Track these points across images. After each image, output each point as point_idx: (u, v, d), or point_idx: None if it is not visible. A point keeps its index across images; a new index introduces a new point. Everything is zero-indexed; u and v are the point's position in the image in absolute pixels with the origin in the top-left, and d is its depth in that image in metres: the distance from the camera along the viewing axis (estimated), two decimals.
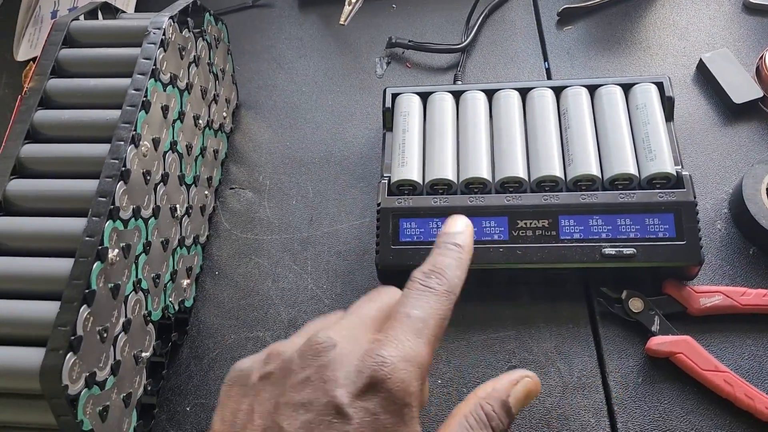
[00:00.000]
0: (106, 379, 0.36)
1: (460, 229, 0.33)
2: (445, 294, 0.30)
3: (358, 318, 0.29)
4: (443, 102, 0.51)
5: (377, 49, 0.61)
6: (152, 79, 0.41)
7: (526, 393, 0.31)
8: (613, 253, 0.43)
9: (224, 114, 0.55)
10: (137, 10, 0.64)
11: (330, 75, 0.60)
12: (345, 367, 0.26)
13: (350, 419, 0.25)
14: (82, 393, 0.33)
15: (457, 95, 0.51)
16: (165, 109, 0.43)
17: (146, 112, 0.40)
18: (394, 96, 0.52)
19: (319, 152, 0.55)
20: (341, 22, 0.58)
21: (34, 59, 0.33)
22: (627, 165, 0.45)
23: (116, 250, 0.36)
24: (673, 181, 0.45)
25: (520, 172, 0.46)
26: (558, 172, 0.46)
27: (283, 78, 0.61)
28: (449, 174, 0.47)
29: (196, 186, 0.49)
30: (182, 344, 0.47)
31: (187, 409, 0.44)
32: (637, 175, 0.45)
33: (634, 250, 0.43)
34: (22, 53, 0.65)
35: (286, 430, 0.25)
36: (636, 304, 0.43)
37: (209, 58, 0.51)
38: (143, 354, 0.41)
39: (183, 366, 0.46)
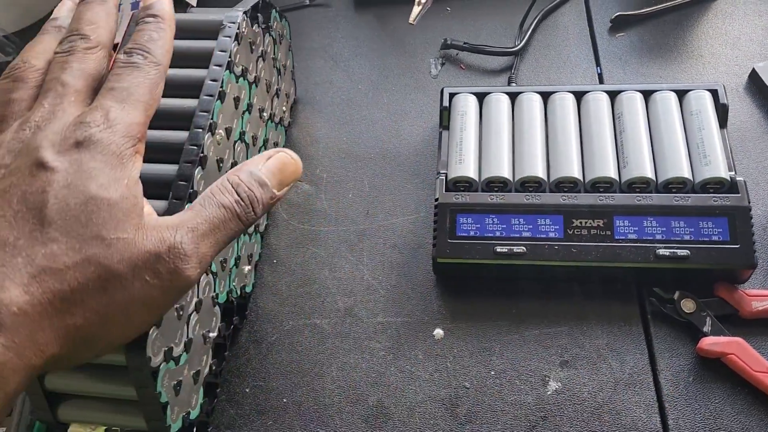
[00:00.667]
0: (181, 355, 0.38)
1: None
2: (149, 65, 0.32)
3: (62, 93, 0.31)
4: (499, 102, 0.52)
5: (432, 51, 0.63)
6: (227, 71, 0.43)
7: (279, 166, 0.33)
8: (668, 254, 0.44)
9: (284, 108, 0.57)
10: (199, 5, 0.66)
11: (385, 74, 0.62)
12: (50, 136, 0.29)
13: (54, 169, 0.27)
14: (161, 366, 0.35)
15: (512, 96, 0.53)
16: (237, 100, 0.45)
17: (221, 102, 0.42)
18: (452, 96, 0.53)
19: (375, 148, 0.57)
20: (410, 22, 0.59)
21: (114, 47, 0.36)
22: (681, 169, 0.46)
23: None
24: (727, 186, 0.46)
25: (575, 173, 0.47)
26: (613, 173, 0.47)
27: (339, 75, 0.62)
28: (505, 172, 0.48)
29: None
30: (242, 328, 0.48)
31: (246, 390, 0.45)
32: (691, 179, 0.46)
33: (688, 252, 0.43)
34: None
35: None
36: (688, 305, 0.44)
37: (274, 54, 0.53)
38: (210, 334, 0.42)
39: (242, 349, 0.47)
